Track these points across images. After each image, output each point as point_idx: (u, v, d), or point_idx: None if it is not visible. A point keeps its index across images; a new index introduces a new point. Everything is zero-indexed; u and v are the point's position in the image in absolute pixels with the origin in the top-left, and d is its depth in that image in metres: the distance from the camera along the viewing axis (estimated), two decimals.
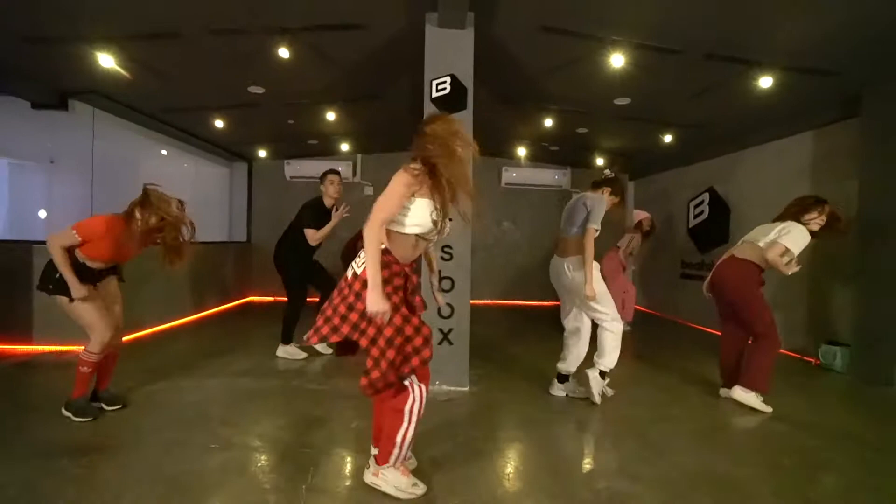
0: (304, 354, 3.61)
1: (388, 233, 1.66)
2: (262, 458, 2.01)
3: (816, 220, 2.79)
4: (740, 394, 2.75)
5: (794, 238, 2.68)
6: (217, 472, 1.86)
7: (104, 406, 2.44)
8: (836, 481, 1.95)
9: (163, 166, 5.83)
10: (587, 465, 2.10)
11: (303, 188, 6.41)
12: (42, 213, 4.84)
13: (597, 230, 2.63)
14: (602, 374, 2.74)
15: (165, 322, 4.64)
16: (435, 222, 1.64)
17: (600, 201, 2.70)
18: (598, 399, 2.72)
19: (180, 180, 6.18)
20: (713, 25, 2.88)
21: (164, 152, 5.65)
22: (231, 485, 1.77)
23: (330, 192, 3.64)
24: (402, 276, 1.67)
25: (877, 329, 3.37)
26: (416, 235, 1.66)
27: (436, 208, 1.62)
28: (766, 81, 3.29)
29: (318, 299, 3.53)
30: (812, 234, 2.76)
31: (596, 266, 2.66)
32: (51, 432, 2.18)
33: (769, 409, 2.68)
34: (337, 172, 3.72)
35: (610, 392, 2.87)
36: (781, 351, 4.15)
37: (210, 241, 6.07)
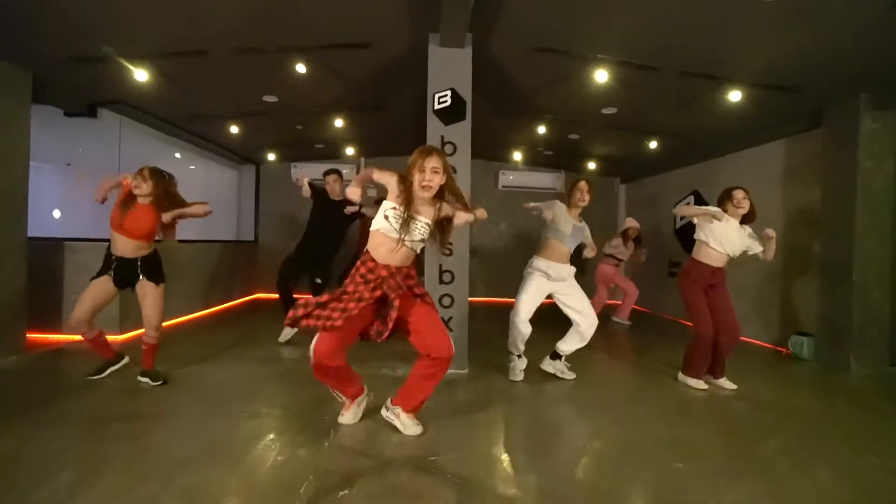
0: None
1: (369, 233, 2.08)
2: (289, 423, 2.33)
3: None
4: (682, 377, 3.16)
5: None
6: (252, 434, 2.18)
7: (150, 382, 2.81)
8: (780, 444, 2.28)
9: (177, 169, 6.13)
10: (567, 430, 2.43)
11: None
12: (56, 213, 5.16)
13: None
14: (556, 355, 3.22)
15: (179, 317, 4.92)
16: (390, 222, 2.00)
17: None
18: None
19: (192, 182, 6.49)
20: (685, 46, 3.22)
21: (177, 155, 5.97)
22: (265, 443, 2.08)
23: (336, 191, 3.89)
24: (374, 274, 2.03)
25: (836, 320, 3.72)
26: (380, 233, 2.03)
27: (393, 209, 2.00)
28: (735, 95, 3.65)
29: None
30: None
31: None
32: (100, 405, 2.49)
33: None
34: (335, 171, 3.93)
35: (570, 375, 3.23)
36: (756, 342, 4.52)
37: (219, 240, 6.40)
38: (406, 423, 2.21)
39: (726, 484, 1.85)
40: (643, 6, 2.79)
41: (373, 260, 2.05)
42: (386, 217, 2.01)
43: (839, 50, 3.01)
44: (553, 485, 1.81)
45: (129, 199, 2.72)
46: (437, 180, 2.02)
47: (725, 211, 3.03)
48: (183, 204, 2.84)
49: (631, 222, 5.73)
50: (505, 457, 2.05)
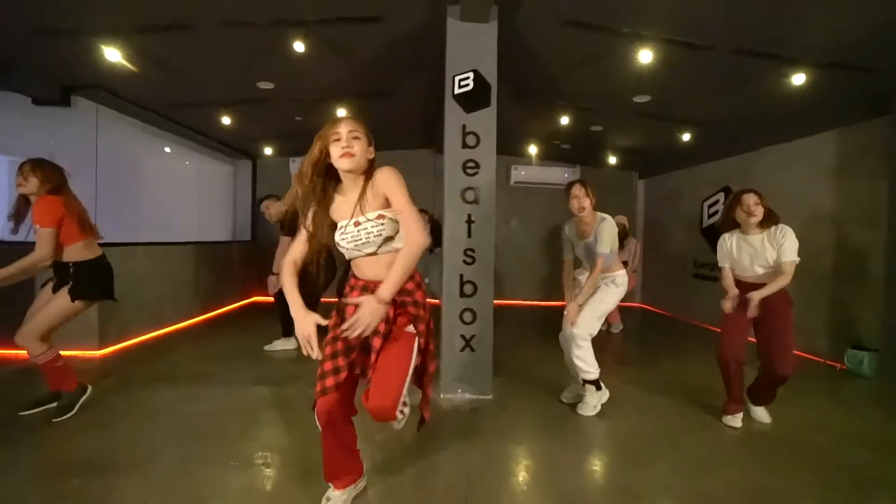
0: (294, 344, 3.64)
1: None
2: (287, 474, 1.90)
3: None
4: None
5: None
6: (241, 493, 1.76)
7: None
8: (892, 498, 1.86)
9: (166, 164, 5.69)
10: (624, 481, 2.00)
11: None
12: None
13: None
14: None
15: (169, 325, 4.52)
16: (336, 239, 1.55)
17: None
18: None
19: (184, 178, 6.04)
20: (744, 20, 2.77)
21: (167, 150, 5.51)
22: None
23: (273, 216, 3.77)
24: (354, 292, 1.56)
25: None
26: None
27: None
28: (798, 78, 3.19)
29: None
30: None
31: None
32: (60, 446, 2.07)
33: None
34: (271, 197, 3.88)
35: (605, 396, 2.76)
36: (804, 354, 4.10)
37: (213, 240, 5.95)
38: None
39: None
40: None
41: (354, 277, 1.60)
42: (338, 245, 1.55)
43: None
44: None
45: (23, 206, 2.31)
46: (358, 146, 1.48)
47: (736, 220, 2.53)
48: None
49: (618, 219, 5.22)
50: None
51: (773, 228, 2.44)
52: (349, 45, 3.33)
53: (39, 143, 4.06)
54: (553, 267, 6.76)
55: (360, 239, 1.49)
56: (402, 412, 1.51)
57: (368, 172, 1.55)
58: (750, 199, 2.46)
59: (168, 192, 5.56)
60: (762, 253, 2.45)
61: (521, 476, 1.98)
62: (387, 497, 1.76)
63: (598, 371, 2.64)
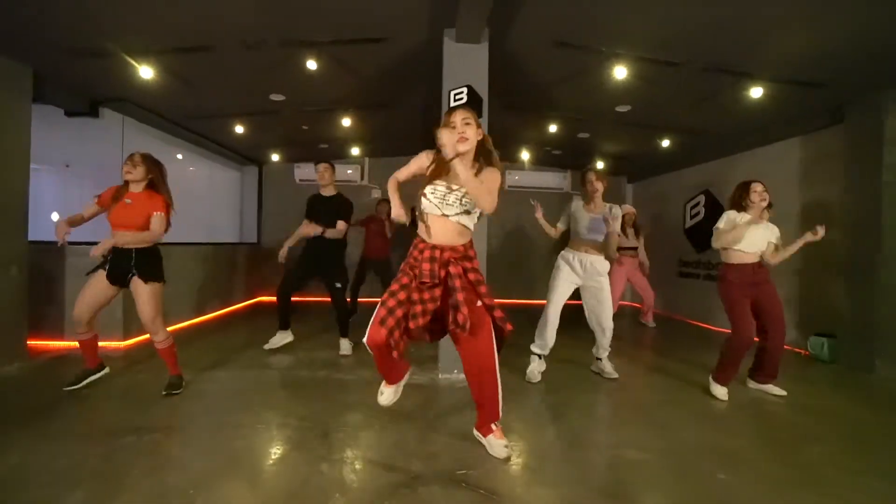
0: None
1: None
2: (306, 434, 2.21)
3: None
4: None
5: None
6: (269, 448, 2.06)
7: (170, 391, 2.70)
8: (825, 451, 2.18)
9: (180, 169, 6.02)
10: (596, 438, 2.32)
11: (312, 191, 6.60)
12: (55, 216, 5.02)
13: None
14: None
15: (183, 321, 4.81)
16: (428, 198, 1.90)
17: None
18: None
19: (196, 183, 6.37)
20: (709, 41, 3.13)
21: (179, 156, 5.84)
22: (284, 458, 1.97)
23: (326, 179, 3.72)
24: (422, 255, 1.90)
25: (860, 320, 3.63)
26: (424, 213, 1.92)
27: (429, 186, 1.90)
28: (756, 92, 3.56)
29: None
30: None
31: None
32: (107, 416, 2.37)
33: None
34: (324, 161, 3.78)
35: (614, 375, 3.25)
36: None
37: (221, 242, 6.27)
38: (493, 444, 2.02)
39: (774, 496, 1.75)
40: (668, 0, 2.70)
41: (423, 241, 1.93)
42: (424, 195, 1.90)
43: (863, 45, 2.93)
44: (590, 500, 1.71)
45: (119, 191, 2.64)
46: (471, 132, 1.85)
47: (745, 207, 2.91)
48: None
49: (626, 209, 5.48)
50: (537, 468, 1.95)
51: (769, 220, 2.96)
52: (357, 62, 3.68)
53: (69, 152, 4.41)
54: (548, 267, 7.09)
55: (448, 201, 1.85)
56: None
57: (477, 157, 1.92)
58: (759, 187, 2.90)
59: (182, 196, 5.86)
60: (765, 236, 2.92)
61: (510, 424, 2.29)
62: (396, 447, 2.07)
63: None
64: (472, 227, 1.96)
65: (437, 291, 1.92)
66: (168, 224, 2.75)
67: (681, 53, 3.33)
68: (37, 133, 3.33)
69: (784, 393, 2.94)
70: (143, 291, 2.61)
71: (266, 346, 3.79)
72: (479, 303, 1.91)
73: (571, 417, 2.57)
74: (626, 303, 7.38)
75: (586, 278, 3.14)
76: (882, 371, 3.49)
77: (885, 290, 3.50)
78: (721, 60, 3.34)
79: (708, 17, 2.82)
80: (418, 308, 1.89)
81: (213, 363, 3.39)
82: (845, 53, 3.06)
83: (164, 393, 2.66)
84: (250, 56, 3.44)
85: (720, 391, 2.89)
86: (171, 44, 3.23)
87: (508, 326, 1.95)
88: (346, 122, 5.08)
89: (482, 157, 1.96)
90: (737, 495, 1.76)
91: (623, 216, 5.41)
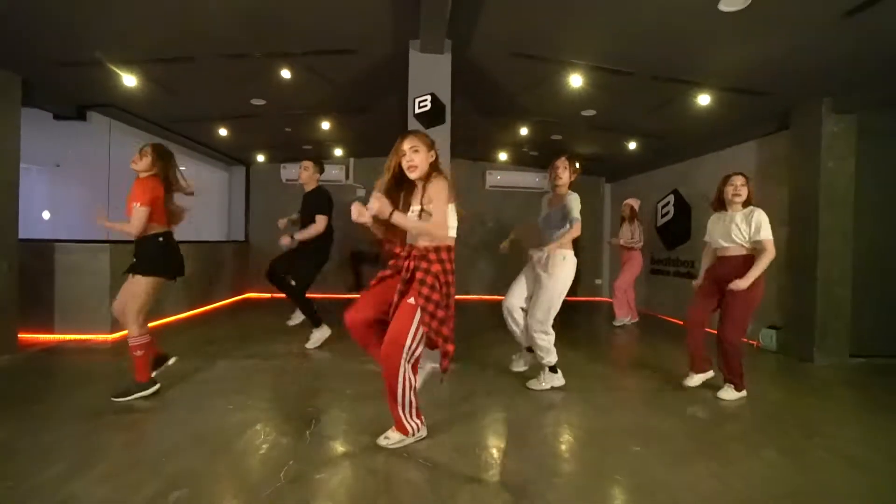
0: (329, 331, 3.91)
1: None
2: (273, 415, 2.44)
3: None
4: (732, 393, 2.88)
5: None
6: (237, 426, 2.29)
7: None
8: (737, 429, 2.43)
9: None
10: (539, 420, 2.56)
11: (298, 190, 6.81)
12: (46, 214, 5.22)
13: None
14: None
15: (166, 317, 5.00)
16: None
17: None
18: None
19: None
20: (656, 52, 3.35)
21: None
22: (249, 434, 2.20)
23: (303, 177, 3.97)
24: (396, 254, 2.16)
25: (801, 313, 3.89)
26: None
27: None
28: (704, 99, 3.80)
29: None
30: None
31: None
32: (91, 400, 2.59)
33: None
34: (306, 159, 3.99)
35: (560, 382, 3.09)
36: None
37: (210, 240, 6.48)
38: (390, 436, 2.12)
39: (678, 465, 1.99)
40: (614, 14, 2.91)
41: (410, 245, 2.15)
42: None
43: (803, 57, 3.15)
44: (518, 468, 1.95)
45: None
46: (419, 158, 2.03)
47: (724, 200, 2.90)
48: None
49: (628, 202, 5.61)
50: (476, 444, 2.18)
51: (748, 209, 2.81)
52: (330, 72, 3.90)
53: (58, 153, 4.60)
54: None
55: (409, 213, 2.08)
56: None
57: (429, 175, 2.08)
58: (738, 181, 2.83)
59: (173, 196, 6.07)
60: (730, 227, 2.80)
61: (470, 406, 2.53)
62: (349, 424, 2.30)
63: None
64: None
65: (392, 281, 2.15)
66: (168, 214, 2.70)
67: (631, 63, 3.56)
68: (27, 135, 3.53)
69: (730, 398, 2.85)
70: (126, 282, 2.62)
71: (307, 346, 3.86)
72: (411, 300, 2.02)
73: (520, 404, 2.80)
74: (602, 298, 7.63)
75: (541, 276, 3.13)
76: (819, 360, 3.75)
77: (823, 286, 3.75)
78: (668, 70, 3.57)
79: (654, 30, 3.02)
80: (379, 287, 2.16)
81: (193, 354, 3.61)
82: (786, 64, 3.28)
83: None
84: (230, 65, 3.65)
85: (688, 379, 3.06)
86: (153, 55, 3.44)
87: (445, 364, 2.10)
88: (326, 125, 5.29)
89: (433, 171, 2.10)
90: (643, 464, 2.00)
91: (630, 209, 5.43)
